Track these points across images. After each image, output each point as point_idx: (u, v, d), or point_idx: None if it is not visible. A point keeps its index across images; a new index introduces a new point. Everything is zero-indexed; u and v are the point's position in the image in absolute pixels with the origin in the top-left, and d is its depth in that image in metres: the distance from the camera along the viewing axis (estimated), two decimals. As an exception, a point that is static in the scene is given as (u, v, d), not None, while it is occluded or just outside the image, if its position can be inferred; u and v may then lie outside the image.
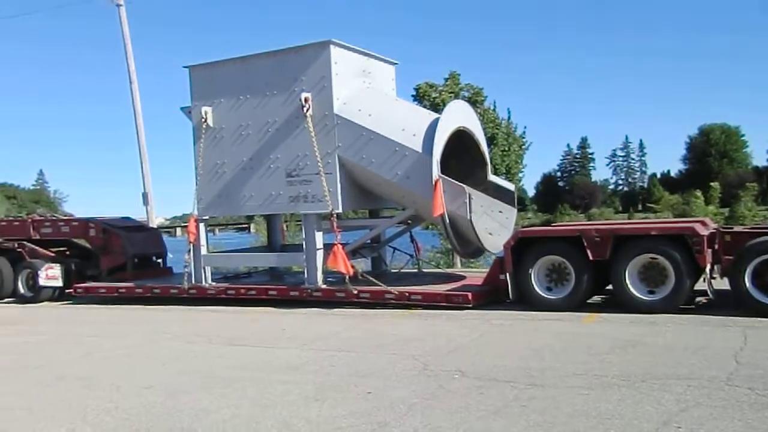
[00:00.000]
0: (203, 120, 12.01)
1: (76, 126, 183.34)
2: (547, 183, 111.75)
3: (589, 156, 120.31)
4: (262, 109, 11.62)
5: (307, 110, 11.02)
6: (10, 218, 17.77)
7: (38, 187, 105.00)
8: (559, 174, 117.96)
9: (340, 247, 10.66)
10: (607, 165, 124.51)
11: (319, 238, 11.28)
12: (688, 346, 6.82)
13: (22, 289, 14.30)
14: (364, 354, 7.36)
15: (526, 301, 9.61)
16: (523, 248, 9.68)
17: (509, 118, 20.01)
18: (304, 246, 11.37)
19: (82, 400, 5.97)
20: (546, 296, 9.46)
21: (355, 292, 10.63)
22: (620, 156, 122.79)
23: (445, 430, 4.72)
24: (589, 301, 9.54)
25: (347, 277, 10.59)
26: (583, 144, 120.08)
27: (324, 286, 11.11)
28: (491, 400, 5.35)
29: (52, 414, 5.61)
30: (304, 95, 11.03)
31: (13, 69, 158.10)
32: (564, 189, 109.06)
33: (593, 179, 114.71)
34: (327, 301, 10.96)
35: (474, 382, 5.90)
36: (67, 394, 6.25)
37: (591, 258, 9.05)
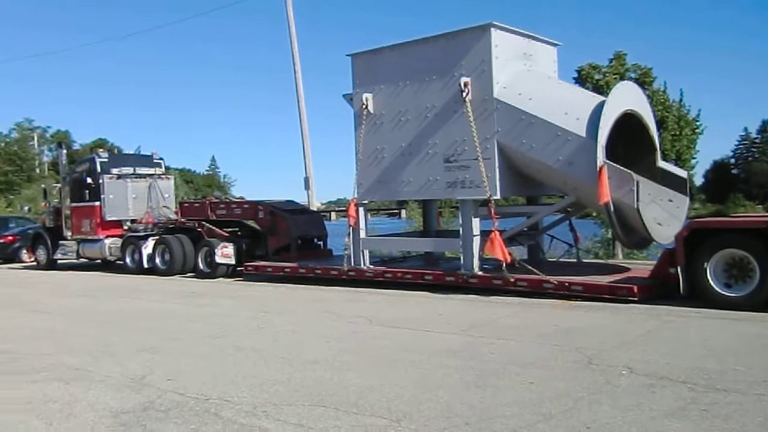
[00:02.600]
0: (364, 106, 12.37)
1: (244, 114, 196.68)
2: (719, 170, 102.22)
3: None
4: (421, 94, 11.73)
5: (466, 95, 10.96)
6: (192, 200, 19.52)
7: (211, 172, 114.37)
8: (732, 161, 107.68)
9: (497, 233, 10.54)
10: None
11: (476, 225, 11.22)
12: None
13: (201, 265, 15.70)
14: (524, 343, 7.22)
15: (699, 297, 8.90)
16: (697, 240, 8.97)
17: (681, 99, 18.58)
18: (460, 232, 11.37)
19: (258, 370, 6.42)
20: (724, 293, 8.70)
21: (512, 279, 10.46)
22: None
23: (615, 427, 4.50)
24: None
25: (504, 264, 10.45)
26: (765, 127, 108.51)
27: (480, 273, 11.05)
28: (665, 400, 5.02)
29: (232, 380, 6.09)
30: (463, 80, 10.98)
31: (188, 65, 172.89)
32: (738, 177, 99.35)
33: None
34: (483, 288, 10.89)
35: (644, 380, 5.57)
36: (244, 364, 6.75)
37: (781, 253, 8.18)
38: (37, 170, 63.99)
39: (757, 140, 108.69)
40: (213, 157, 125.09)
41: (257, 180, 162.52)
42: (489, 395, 5.32)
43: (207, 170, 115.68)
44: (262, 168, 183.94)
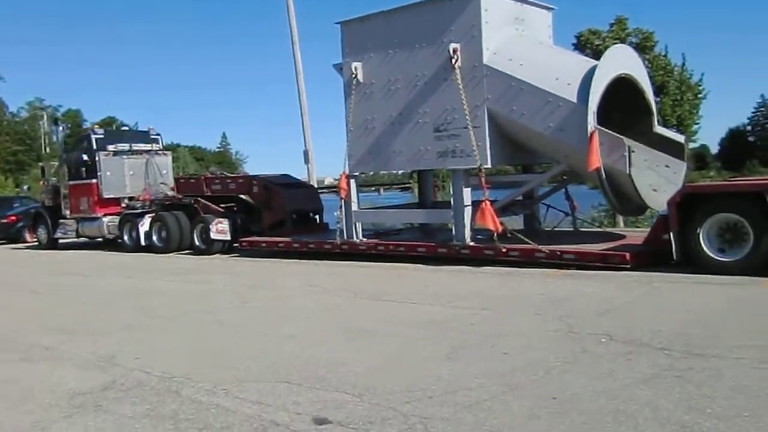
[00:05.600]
0: (353, 75, 12.10)
1: (253, 90, 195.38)
2: (734, 138, 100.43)
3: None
4: (411, 62, 11.45)
5: (456, 62, 10.67)
6: (188, 176, 19.38)
7: (222, 149, 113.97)
8: (749, 128, 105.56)
9: (488, 203, 10.32)
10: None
11: (467, 195, 11.00)
12: None
13: (197, 242, 15.60)
14: (508, 313, 7.07)
15: (693, 263, 8.69)
16: (691, 205, 8.72)
17: (684, 64, 18.11)
18: (451, 202, 11.16)
19: (232, 346, 6.32)
20: (717, 258, 8.47)
21: (504, 250, 10.27)
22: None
23: (582, 396, 4.34)
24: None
25: (495, 234, 10.26)
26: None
27: (472, 244, 10.87)
28: (640, 367, 4.85)
29: (203, 357, 5.99)
30: (452, 46, 10.68)
31: (197, 43, 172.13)
32: (755, 144, 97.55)
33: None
34: (475, 259, 10.72)
35: (623, 348, 5.40)
36: (224, 339, 6.67)
37: (775, 217, 7.92)
38: (48, 149, 64.29)
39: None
40: (224, 133, 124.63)
41: (269, 155, 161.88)
42: (459, 367, 5.17)
43: (218, 147, 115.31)
44: (273, 143, 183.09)
